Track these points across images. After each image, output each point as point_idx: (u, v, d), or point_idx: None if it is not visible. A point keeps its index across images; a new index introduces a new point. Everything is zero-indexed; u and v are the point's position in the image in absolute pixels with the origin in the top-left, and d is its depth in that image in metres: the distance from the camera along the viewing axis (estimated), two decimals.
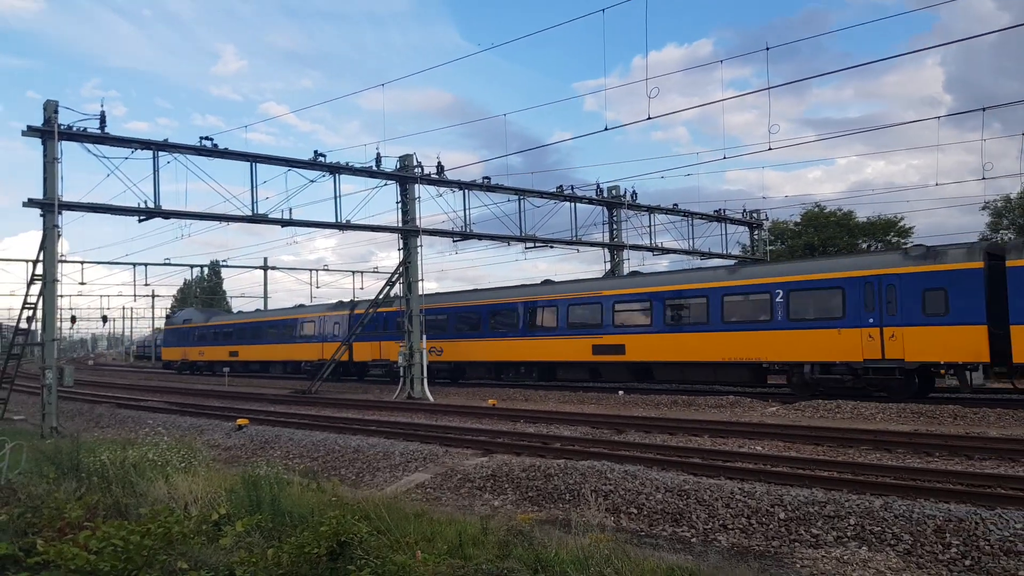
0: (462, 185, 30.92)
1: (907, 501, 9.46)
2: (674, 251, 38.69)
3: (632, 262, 37.18)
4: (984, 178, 25.81)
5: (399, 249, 30.65)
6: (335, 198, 27.73)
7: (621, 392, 27.06)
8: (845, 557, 8.22)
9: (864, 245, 50.98)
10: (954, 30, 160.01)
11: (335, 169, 27.55)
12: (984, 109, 23.55)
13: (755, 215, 42.60)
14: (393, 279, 32.02)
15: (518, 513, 10.09)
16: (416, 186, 29.96)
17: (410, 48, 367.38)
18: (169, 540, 5.91)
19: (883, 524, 8.80)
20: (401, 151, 30.00)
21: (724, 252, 40.28)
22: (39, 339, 23.45)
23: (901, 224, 51.28)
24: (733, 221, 41.43)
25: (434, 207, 52.27)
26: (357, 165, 28.18)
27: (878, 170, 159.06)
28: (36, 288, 22.62)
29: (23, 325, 24.25)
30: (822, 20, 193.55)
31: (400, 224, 30.21)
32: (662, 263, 48.26)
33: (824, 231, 52.03)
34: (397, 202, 30.14)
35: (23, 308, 23.64)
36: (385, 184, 29.62)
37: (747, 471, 12.21)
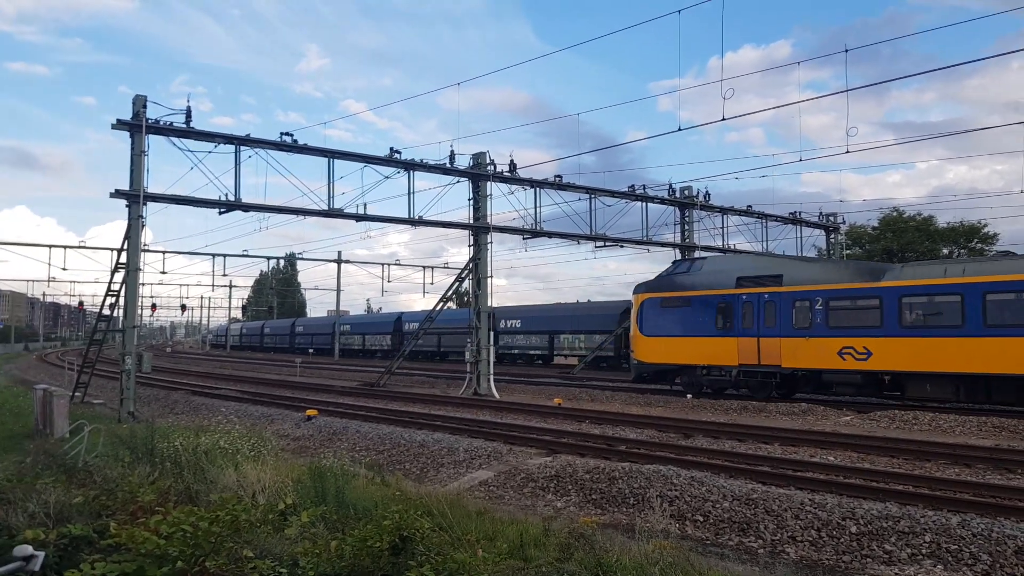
0: (533, 183, 30.94)
1: (986, 519, 9.12)
2: (747, 253, 38.07)
3: None
4: None
5: (469, 245, 30.81)
6: (409, 194, 28.05)
7: (689, 396, 26.70)
8: (919, 575, 7.95)
9: (945, 251, 49.51)
10: None
11: (410, 166, 27.84)
12: None
13: (832, 218, 41.68)
14: (463, 275, 32.23)
15: (581, 515, 10.01)
16: (488, 183, 30.09)
17: (486, 47, 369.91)
18: (236, 528, 6.00)
19: (960, 543, 8.49)
20: (475, 149, 30.20)
21: (799, 255, 39.47)
22: (120, 326, 24.22)
23: (985, 230, 49.64)
24: (809, 224, 40.60)
25: (505, 204, 52.63)
26: (431, 162, 28.51)
27: (960, 175, 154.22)
28: (120, 276, 23.39)
29: (106, 312, 25.10)
30: (904, 22, 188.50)
31: (471, 221, 30.37)
32: None
33: (903, 236, 50.64)
34: (469, 199, 30.32)
35: (107, 295, 24.49)
36: (458, 181, 29.83)
37: (818, 482, 11.93)
